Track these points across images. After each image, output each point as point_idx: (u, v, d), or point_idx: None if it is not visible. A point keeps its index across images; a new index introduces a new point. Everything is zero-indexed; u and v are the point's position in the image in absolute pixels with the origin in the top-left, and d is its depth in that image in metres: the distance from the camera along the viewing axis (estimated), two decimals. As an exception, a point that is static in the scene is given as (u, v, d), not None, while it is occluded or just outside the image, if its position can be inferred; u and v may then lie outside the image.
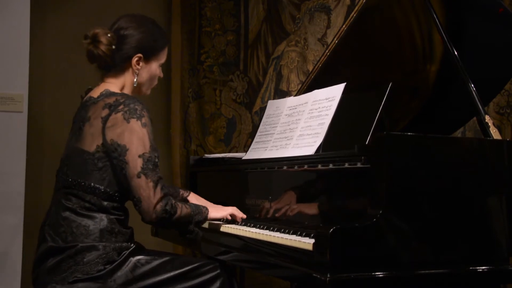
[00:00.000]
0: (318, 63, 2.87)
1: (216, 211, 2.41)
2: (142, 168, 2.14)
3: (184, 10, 4.42)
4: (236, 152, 4.25)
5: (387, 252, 1.87)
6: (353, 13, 2.74)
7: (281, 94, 4.19)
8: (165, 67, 4.40)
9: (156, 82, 2.46)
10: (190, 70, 4.42)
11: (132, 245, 2.25)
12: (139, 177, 2.13)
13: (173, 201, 2.20)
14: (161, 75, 2.46)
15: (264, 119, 2.79)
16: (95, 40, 2.27)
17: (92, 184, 2.20)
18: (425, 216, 1.94)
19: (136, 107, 2.18)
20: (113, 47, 2.28)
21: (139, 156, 2.14)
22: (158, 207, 2.13)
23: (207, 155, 3.18)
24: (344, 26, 2.78)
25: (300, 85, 3.09)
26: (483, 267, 1.99)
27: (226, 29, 4.45)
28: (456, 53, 2.40)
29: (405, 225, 1.90)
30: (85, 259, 2.13)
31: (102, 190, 2.20)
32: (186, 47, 4.41)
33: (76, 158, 2.24)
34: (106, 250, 2.15)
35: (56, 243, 2.18)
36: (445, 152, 2.02)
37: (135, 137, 2.15)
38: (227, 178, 2.88)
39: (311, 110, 2.48)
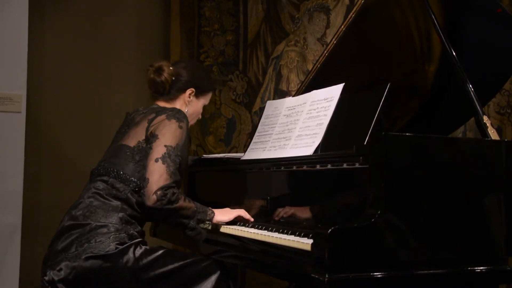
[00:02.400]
0: (317, 64, 2.87)
1: (222, 214, 2.45)
2: (162, 155, 2.31)
3: (183, 9, 4.42)
4: (236, 152, 4.25)
5: (385, 252, 1.87)
6: (351, 13, 2.74)
7: (280, 94, 4.18)
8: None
9: (195, 120, 2.76)
10: (190, 70, 4.40)
11: (142, 239, 2.35)
12: (156, 161, 2.30)
13: (176, 191, 2.29)
14: (200, 116, 2.78)
15: (262, 120, 2.78)
16: (159, 69, 2.59)
17: (126, 174, 2.36)
18: (423, 216, 1.94)
19: (180, 113, 2.45)
20: (173, 78, 2.60)
21: (165, 146, 2.33)
22: (159, 191, 2.24)
23: (205, 155, 3.18)
24: (342, 26, 2.77)
25: (299, 85, 3.09)
26: (482, 267, 1.99)
27: (225, 29, 4.45)
28: (454, 53, 2.40)
29: (404, 225, 1.90)
30: (97, 238, 2.23)
31: (134, 181, 2.35)
32: (185, 47, 4.40)
33: (116, 152, 2.44)
34: (119, 232, 2.26)
35: (73, 220, 2.29)
36: (443, 152, 2.02)
37: (168, 132, 2.37)
38: (226, 179, 2.88)
39: (309, 110, 2.48)
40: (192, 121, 2.70)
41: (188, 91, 2.63)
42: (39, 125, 4.02)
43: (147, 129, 2.41)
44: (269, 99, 4.20)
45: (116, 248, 2.21)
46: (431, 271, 1.93)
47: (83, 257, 2.19)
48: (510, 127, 3.17)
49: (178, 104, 2.62)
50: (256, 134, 2.77)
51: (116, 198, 2.33)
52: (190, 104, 2.66)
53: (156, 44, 4.45)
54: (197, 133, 4.39)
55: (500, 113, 3.18)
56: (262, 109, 2.90)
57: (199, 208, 2.36)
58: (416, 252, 1.92)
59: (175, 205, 2.27)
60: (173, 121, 2.39)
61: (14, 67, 3.57)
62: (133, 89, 4.25)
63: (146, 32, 4.41)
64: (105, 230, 2.24)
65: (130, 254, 2.23)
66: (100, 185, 2.36)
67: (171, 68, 2.62)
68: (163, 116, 2.41)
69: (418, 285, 1.93)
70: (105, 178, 2.37)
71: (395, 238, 1.88)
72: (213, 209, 2.42)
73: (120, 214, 2.30)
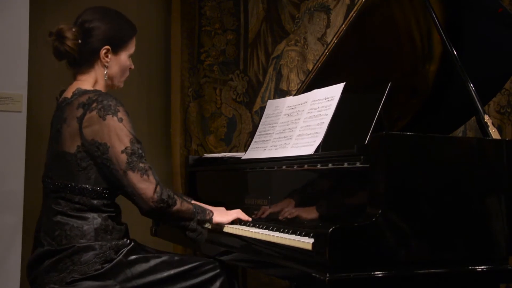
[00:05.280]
0: (318, 63, 2.87)
1: (221, 216, 2.38)
2: (127, 162, 2.13)
3: (184, 9, 4.42)
4: (237, 151, 4.25)
5: (386, 252, 1.87)
6: (352, 12, 2.74)
7: (281, 93, 4.18)
8: (165, 67, 4.43)
9: (127, 73, 2.42)
10: (190, 69, 4.41)
11: (128, 241, 2.25)
12: (126, 172, 2.13)
13: (171, 192, 2.19)
14: (132, 66, 2.42)
15: (263, 119, 2.78)
16: (60, 36, 2.23)
17: (79, 185, 2.19)
18: (424, 216, 1.95)
19: (110, 103, 2.16)
20: (79, 41, 2.24)
21: (122, 152, 2.13)
22: (155, 196, 2.13)
23: (206, 155, 3.18)
24: (343, 26, 2.77)
25: (300, 85, 3.09)
26: (482, 267, 1.99)
27: (226, 28, 4.45)
28: (455, 52, 2.40)
29: (404, 224, 1.90)
30: (82, 259, 2.12)
31: (90, 189, 2.19)
32: (186, 46, 4.41)
33: (59, 161, 2.23)
34: (103, 249, 2.15)
35: (52, 247, 2.17)
36: (444, 151, 2.02)
37: (113, 134, 2.14)
38: (226, 178, 2.88)
39: (310, 109, 2.48)
40: (123, 78, 2.39)
41: (103, 51, 2.27)
42: (40, 125, 4.02)
43: (80, 131, 2.16)
44: (269, 98, 4.19)
45: (103, 267, 2.13)
46: (432, 271, 1.93)
47: (69, 280, 2.11)
48: (510, 126, 3.17)
49: (99, 70, 2.30)
50: (257, 133, 2.77)
51: (82, 211, 2.18)
52: (110, 65, 2.30)
53: (156, 43, 4.46)
54: (198, 132, 4.39)
55: (500, 112, 3.18)
56: (262, 109, 2.91)
57: (198, 208, 2.28)
58: (417, 251, 1.92)
59: (174, 208, 2.18)
60: (109, 117, 2.13)
61: (15, 66, 3.56)
62: (133, 89, 4.24)
63: (147, 31, 4.41)
64: (88, 250, 2.12)
65: (119, 270, 2.15)
66: (60, 202, 2.20)
67: (73, 29, 2.23)
68: (94, 115, 2.14)
69: (419, 285, 1.93)
70: (61, 194, 2.20)
71: (396, 238, 1.88)
72: (211, 209, 2.37)
73: (95, 225, 2.16)
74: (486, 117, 2.28)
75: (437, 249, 1.95)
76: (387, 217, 1.86)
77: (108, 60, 2.30)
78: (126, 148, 2.14)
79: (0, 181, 3.50)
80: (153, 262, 2.22)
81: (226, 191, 2.85)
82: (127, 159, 2.13)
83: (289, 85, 4.17)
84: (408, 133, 2.00)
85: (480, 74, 2.47)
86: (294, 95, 2.84)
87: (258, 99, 4.37)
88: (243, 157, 2.74)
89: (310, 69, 3.24)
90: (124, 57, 2.35)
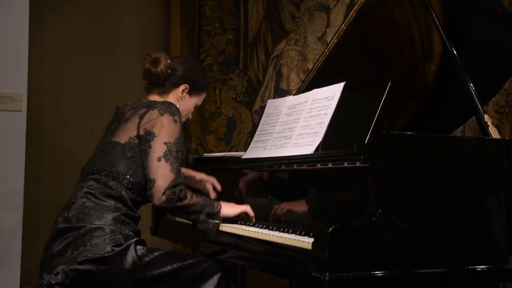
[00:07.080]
0: (317, 63, 2.87)
1: (229, 208, 2.46)
2: (164, 153, 2.30)
3: (184, 8, 4.42)
4: (237, 151, 4.25)
5: (386, 251, 1.87)
6: (352, 12, 2.74)
7: (281, 93, 4.19)
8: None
9: (184, 119, 2.71)
10: (190, 69, 4.41)
11: (138, 238, 2.34)
12: (159, 160, 2.30)
13: (183, 187, 2.31)
14: (190, 116, 2.76)
15: (263, 119, 2.79)
16: (156, 60, 2.58)
17: (118, 171, 2.34)
18: (424, 215, 1.94)
19: (172, 107, 2.42)
20: (169, 71, 2.58)
21: (164, 143, 2.32)
22: (168, 191, 2.25)
23: (206, 154, 3.17)
24: (343, 26, 2.77)
25: (300, 84, 3.09)
26: (482, 266, 1.99)
27: (226, 27, 4.45)
28: (455, 52, 2.40)
29: (404, 224, 1.90)
30: (92, 241, 2.22)
31: (127, 178, 2.34)
32: (186, 46, 4.41)
33: (106, 150, 2.42)
34: (114, 234, 2.25)
35: (67, 222, 2.27)
36: (444, 151, 2.02)
37: (165, 128, 2.35)
38: (226, 178, 2.88)
39: (310, 109, 2.48)
40: (183, 119, 2.65)
41: (182, 87, 2.61)
42: (40, 124, 4.02)
43: (138, 125, 2.38)
44: (269, 98, 4.20)
45: (113, 250, 2.21)
46: (432, 270, 1.92)
47: (79, 260, 2.18)
48: (508, 126, 3.17)
49: (171, 98, 2.59)
50: (257, 133, 2.77)
51: (110, 196, 2.31)
52: (182, 101, 2.63)
53: (156, 43, 4.46)
54: (198, 132, 4.39)
55: (498, 112, 3.19)
56: (262, 108, 2.91)
57: (207, 201, 2.39)
58: (416, 251, 1.92)
59: (184, 202, 2.29)
60: (166, 115, 2.36)
61: (15, 66, 3.57)
62: (133, 88, 4.24)
63: (147, 31, 4.41)
64: (100, 232, 2.23)
65: (127, 255, 2.22)
66: (93, 184, 2.34)
67: (168, 61, 2.60)
68: (155, 111, 2.38)
69: (418, 284, 1.92)
70: (97, 176, 2.35)
71: (396, 237, 1.88)
72: (220, 202, 2.45)
73: (114, 214, 2.29)
74: (486, 117, 2.28)
75: (437, 249, 1.95)
76: (387, 216, 1.86)
77: (183, 96, 2.63)
78: (169, 143, 2.33)
79: (0, 181, 3.50)
80: (157, 253, 2.29)
81: (226, 190, 2.85)
82: (165, 151, 2.31)
83: (289, 84, 4.17)
84: (408, 132, 2.00)
85: (480, 74, 2.48)
86: (294, 94, 2.84)
87: (258, 99, 4.37)
88: (243, 157, 2.74)
89: (310, 68, 3.24)
90: (193, 102, 2.70)
